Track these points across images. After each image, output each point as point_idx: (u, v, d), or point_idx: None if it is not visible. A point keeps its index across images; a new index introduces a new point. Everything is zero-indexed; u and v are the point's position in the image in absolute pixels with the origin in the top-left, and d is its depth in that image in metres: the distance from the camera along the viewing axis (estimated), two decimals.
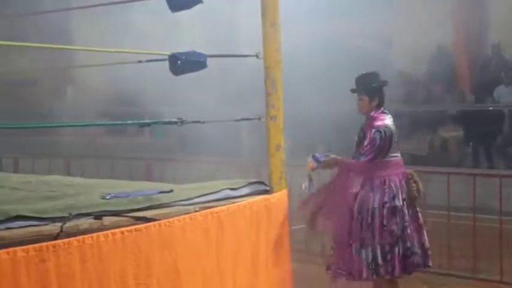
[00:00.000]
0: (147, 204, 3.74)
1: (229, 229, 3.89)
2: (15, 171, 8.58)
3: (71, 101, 12.13)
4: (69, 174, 8.93)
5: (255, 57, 4.33)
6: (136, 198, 3.83)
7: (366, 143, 4.43)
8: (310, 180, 4.48)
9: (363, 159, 4.40)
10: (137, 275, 3.36)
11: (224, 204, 3.98)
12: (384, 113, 4.57)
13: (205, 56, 4.27)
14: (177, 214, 3.71)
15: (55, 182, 4.85)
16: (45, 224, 3.19)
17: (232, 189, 4.23)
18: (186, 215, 3.72)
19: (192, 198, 3.96)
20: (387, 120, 4.51)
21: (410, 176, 4.53)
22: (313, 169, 4.42)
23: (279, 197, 4.30)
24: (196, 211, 3.80)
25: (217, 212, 3.87)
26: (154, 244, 3.47)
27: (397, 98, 10.13)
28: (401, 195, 4.46)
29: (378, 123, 4.47)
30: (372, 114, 4.54)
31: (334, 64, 8.53)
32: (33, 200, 3.77)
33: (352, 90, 4.65)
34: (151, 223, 3.51)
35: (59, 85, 12.08)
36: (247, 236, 4.01)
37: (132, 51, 4.73)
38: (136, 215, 3.58)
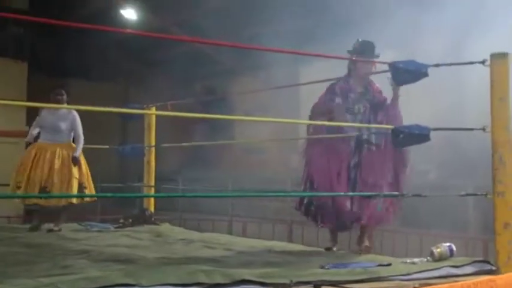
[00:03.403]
0: (365, 277, 3.74)
1: None
2: (244, 234, 9.09)
3: (294, 169, 12.61)
4: (291, 240, 9.25)
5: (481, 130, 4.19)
6: (355, 269, 3.86)
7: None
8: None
9: None
10: None
11: (446, 282, 3.83)
12: None
13: (429, 129, 4.23)
14: None
15: (277, 248, 5.08)
16: None
17: (454, 266, 4.07)
18: None
19: (411, 274, 3.88)
20: None
21: None
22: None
23: (507, 279, 4.01)
24: (415, 287, 3.71)
25: None
26: None
27: None
28: None
29: None
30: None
31: None
32: (257, 265, 3.98)
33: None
34: None
35: (285, 154, 12.67)
36: None
37: (350, 124, 4.84)
38: (353, 286, 3.60)
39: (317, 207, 4.90)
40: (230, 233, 9.68)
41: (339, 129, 4.77)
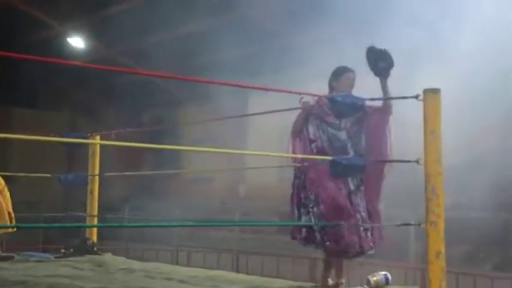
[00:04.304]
0: None
1: None
2: (188, 263, 9.06)
3: (242, 198, 12.68)
4: (237, 269, 9.27)
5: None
6: None
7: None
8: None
9: None
10: None
11: None
12: None
13: (366, 161, 4.36)
14: None
15: (221, 278, 5.09)
16: None
17: None
18: None
19: None
20: None
21: None
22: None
23: None
24: None
25: None
26: None
27: None
28: None
29: None
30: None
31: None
32: None
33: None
34: None
35: (232, 184, 12.73)
36: None
37: (296, 155, 4.93)
38: None
39: (325, 233, 4.64)
40: (175, 262, 9.63)
41: (333, 148, 4.72)
